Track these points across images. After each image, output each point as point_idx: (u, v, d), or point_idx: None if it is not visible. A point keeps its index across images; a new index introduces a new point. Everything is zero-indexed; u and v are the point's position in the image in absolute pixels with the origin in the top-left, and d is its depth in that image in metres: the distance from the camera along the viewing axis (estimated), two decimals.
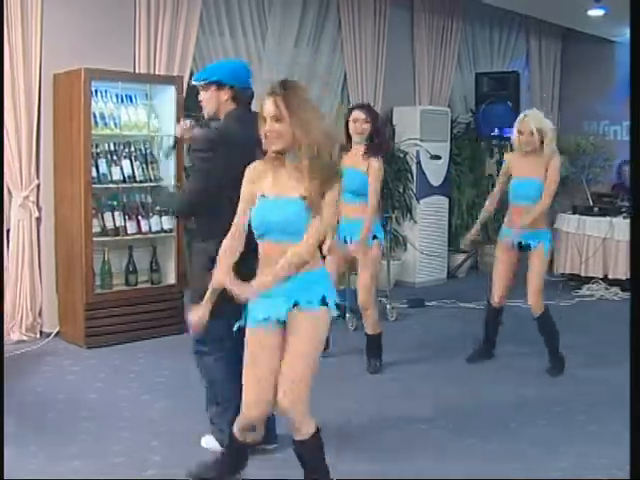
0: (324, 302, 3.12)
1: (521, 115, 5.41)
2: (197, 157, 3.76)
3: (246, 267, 3.16)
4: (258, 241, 3.13)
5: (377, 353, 5.50)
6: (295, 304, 3.09)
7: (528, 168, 5.31)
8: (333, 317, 3.19)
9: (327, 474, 3.28)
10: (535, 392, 5.06)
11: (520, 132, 5.32)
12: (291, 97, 3.00)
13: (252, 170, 3.17)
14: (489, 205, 5.66)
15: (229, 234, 3.19)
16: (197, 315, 3.24)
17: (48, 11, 5.96)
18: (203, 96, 3.88)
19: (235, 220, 3.19)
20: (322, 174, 3.00)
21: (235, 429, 3.37)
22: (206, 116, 3.94)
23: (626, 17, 3.84)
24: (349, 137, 5.37)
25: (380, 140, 5.42)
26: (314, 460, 3.26)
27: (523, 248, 5.44)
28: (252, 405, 3.21)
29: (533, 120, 5.28)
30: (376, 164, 5.26)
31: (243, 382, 3.22)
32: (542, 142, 5.27)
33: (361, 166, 5.27)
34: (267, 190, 3.11)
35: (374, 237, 5.32)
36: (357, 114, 5.34)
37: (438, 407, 4.78)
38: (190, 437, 4.10)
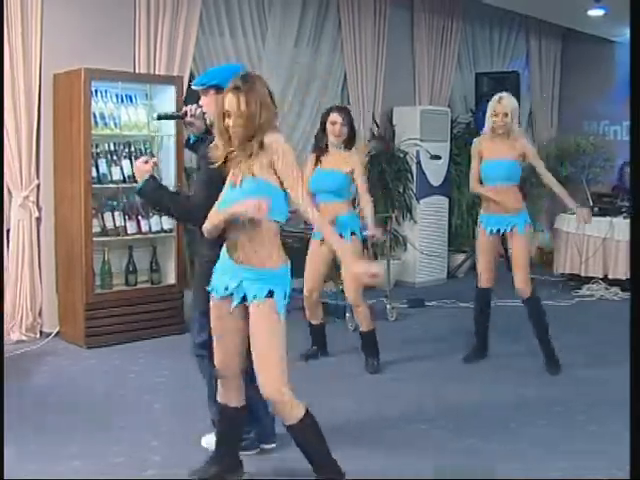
0: (270, 295, 3.19)
1: (496, 97, 5.43)
2: (202, 164, 3.74)
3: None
4: None
5: (374, 351, 5.50)
6: (245, 297, 3.23)
7: (498, 150, 5.39)
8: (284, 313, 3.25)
9: (328, 456, 3.31)
10: (535, 392, 5.06)
11: (496, 114, 5.36)
12: (252, 93, 3.10)
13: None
14: (477, 185, 5.63)
15: None
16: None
17: (48, 11, 5.97)
18: (203, 101, 3.87)
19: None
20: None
21: (218, 397, 3.52)
22: (208, 121, 3.91)
23: (626, 17, 3.85)
24: (326, 138, 5.40)
25: (353, 143, 5.45)
26: (309, 444, 3.30)
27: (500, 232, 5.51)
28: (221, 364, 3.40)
29: (508, 103, 5.37)
30: (357, 158, 5.39)
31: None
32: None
33: (340, 167, 5.32)
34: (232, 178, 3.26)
35: (352, 233, 5.33)
36: (335, 117, 5.35)
37: (438, 407, 4.77)
38: (190, 437, 4.11)
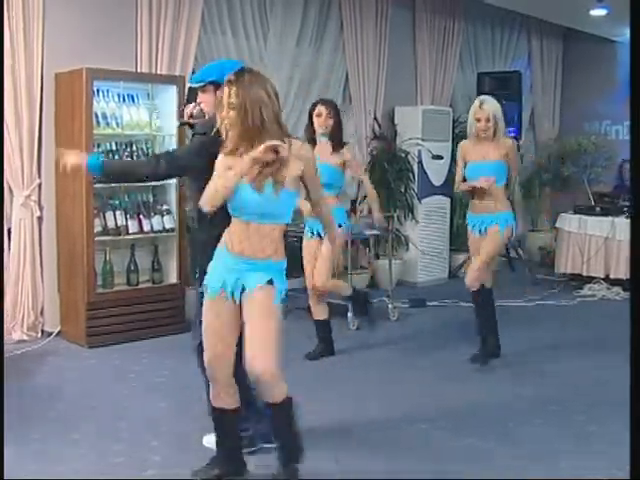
0: (270, 283, 3.28)
1: (477, 102, 5.45)
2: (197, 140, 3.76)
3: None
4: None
5: (364, 309, 5.69)
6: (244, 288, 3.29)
7: (483, 152, 5.41)
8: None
9: (297, 437, 3.39)
10: (535, 392, 5.05)
11: (478, 119, 5.38)
12: (241, 86, 3.14)
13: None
14: (460, 184, 5.64)
15: None
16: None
17: (49, 11, 5.97)
18: (202, 98, 3.87)
19: None
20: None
21: (212, 401, 3.53)
22: (207, 117, 3.92)
23: (628, 17, 3.84)
24: (313, 131, 5.55)
25: (341, 135, 5.61)
26: (287, 422, 3.39)
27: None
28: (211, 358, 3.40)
29: (491, 107, 5.38)
30: (349, 155, 5.60)
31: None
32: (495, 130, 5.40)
33: (332, 160, 5.46)
34: None
35: (339, 225, 5.38)
36: (320, 109, 5.52)
37: (438, 407, 4.77)
38: (190, 437, 4.11)
